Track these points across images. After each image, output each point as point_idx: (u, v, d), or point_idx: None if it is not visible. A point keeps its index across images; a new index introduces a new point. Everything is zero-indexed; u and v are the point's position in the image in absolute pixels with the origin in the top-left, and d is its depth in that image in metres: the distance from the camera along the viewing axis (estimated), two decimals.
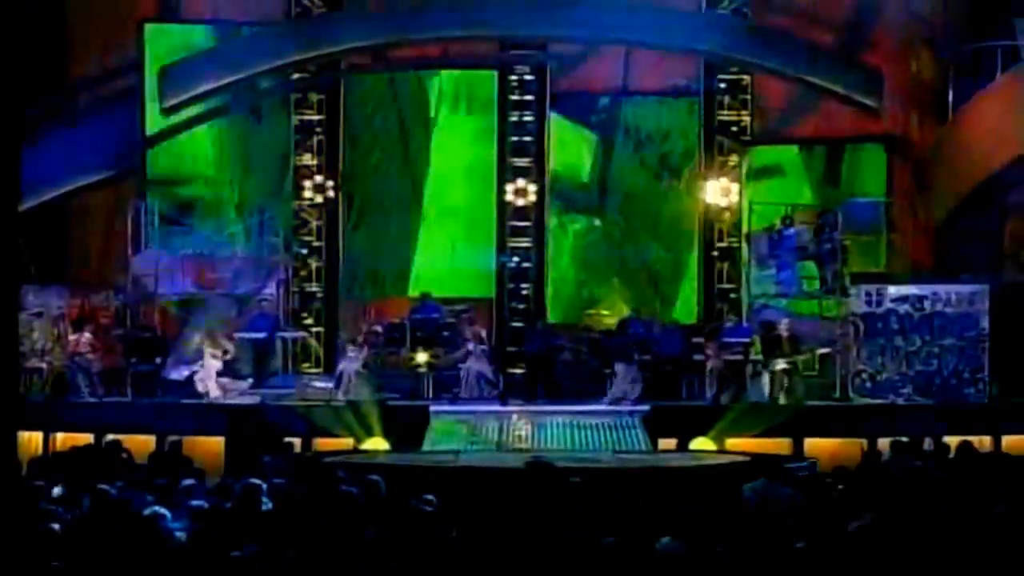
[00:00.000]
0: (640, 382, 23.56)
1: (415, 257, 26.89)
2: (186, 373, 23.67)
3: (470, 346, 24.33)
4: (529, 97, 26.69)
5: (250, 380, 23.71)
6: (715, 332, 24.48)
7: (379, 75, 27.19)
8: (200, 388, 23.36)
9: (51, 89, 25.57)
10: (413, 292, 26.39)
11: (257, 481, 12.23)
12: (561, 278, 27.03)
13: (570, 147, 27.18)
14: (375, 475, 12.61)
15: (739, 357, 24.09)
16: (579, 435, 21.76)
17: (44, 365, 23.83)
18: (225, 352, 23.67)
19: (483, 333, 24.73)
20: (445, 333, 24.85)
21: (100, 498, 11.44)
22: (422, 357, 24.49)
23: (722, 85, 26.76)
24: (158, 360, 24.07)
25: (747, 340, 24.22)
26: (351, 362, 23.69)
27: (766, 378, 23.45)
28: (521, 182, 26.57)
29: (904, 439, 19.21)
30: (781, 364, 23.43)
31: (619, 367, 23.66)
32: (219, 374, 23.46)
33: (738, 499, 13.13)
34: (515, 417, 22.38)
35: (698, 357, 24.49)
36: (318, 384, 24.17)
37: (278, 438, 20.44)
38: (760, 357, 23.81)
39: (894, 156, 26.67)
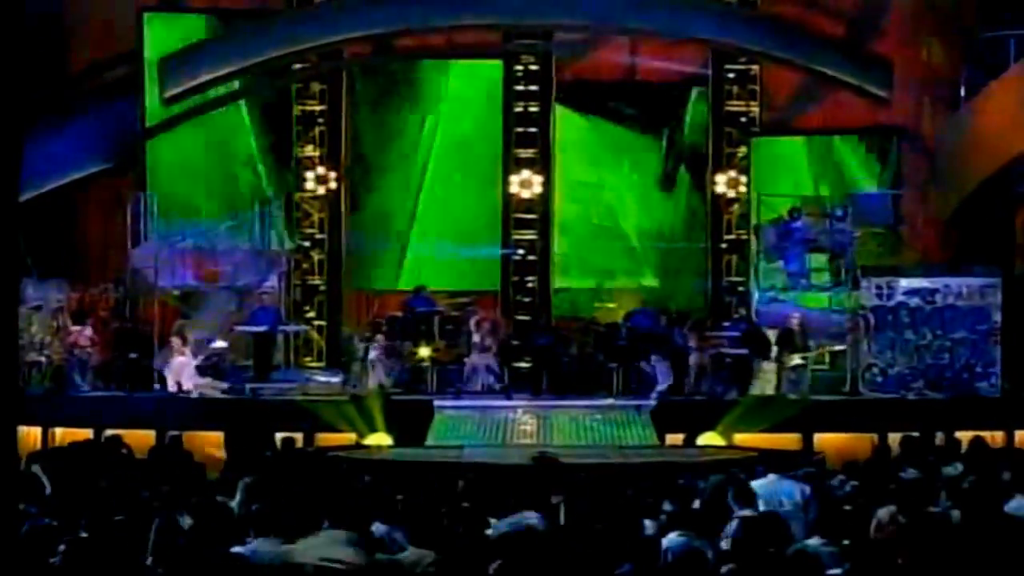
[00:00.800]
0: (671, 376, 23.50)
1: (416, 249, 26.86)
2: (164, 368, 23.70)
3: (475, 339, 24.29)
4: (534, 87, 26.65)
5: (226, 384, 23.55)
6: (701, 326, 24.39)
7: (381, 64, 27.18)
8: (170, 384, 23.34)
9: (49, 79, 25.55)
10: (409, 285, 26.33)
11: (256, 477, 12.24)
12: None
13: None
14: (377, 471, 12.63)
15: (725, 351, 24.12)
16: (585, 430, 21.76)
17: (43, 359, 23.83)
18: (198, 348, 23.64)
19: (490, 328, 24.57)
20: (448, 326, 24.81)
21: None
22: (425, 351, 24.47)
23: (730, 75, 26.75)
24: (133, 354, 24.01)
25: (737, 335, 24.17)
26: (377, 351, 23.67)
27: (767, 374, 23.43)
28: (526, 173, 26.53)
29: (915, 434, 19.22)
30: (796, 359, 23.43)
31: (659, 362, 23.56)
32: (200, 372, 23.41)
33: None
34: (520, 412, 22.38)
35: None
36: (321, 378, 24.19)
37: (277, 432, 20.46)
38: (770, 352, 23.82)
39: (904, 147, 26.62)
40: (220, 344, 23.93)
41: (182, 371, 23.34)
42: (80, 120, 26.06)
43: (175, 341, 23.55)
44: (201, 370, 23.48)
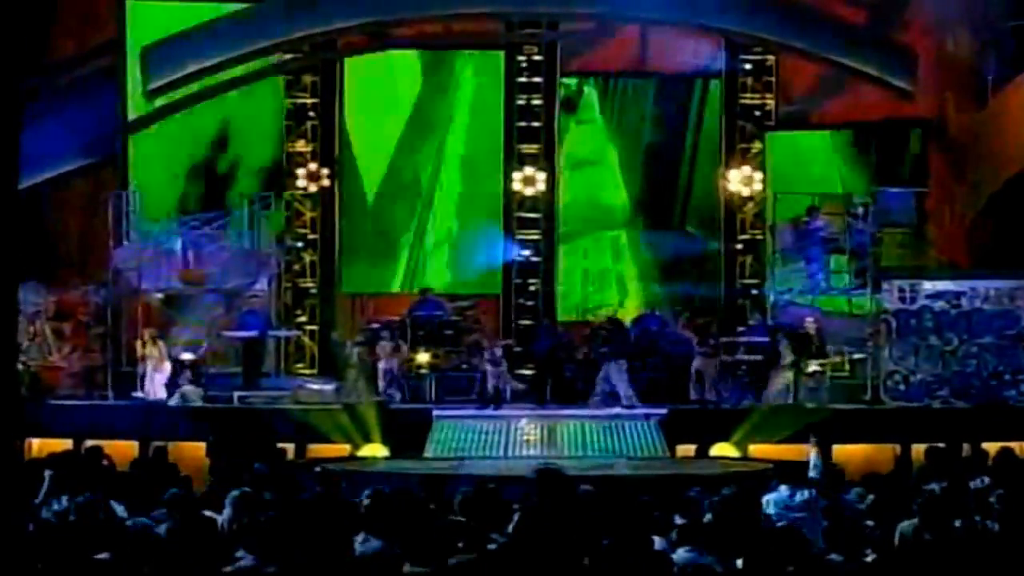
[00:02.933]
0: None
1: (416, 250, 26.88)
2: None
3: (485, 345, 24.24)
4: (538, 79, 26.62)
5: (200, 390, 23.56)
6: (706, 331, 24.37)
7: (377, 55, 27.20)
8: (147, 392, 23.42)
9: (26, 70, 25.55)
10: (406, 287, 26.33)
11: (247, 490, 12.28)
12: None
13: None
14: (373, 483, 12.64)
15: (741, 358, 24.17)
16: (592, 440, 21.77)
17: (20, 366, 23.83)
18: (166, 356, 23.67)
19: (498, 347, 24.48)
20: (448, 332, 24.80)
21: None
22: (424, 357, 24.46)
23: (746, 66, 26.73)
24: None
25: (765, 341, 24.21)
26: (391, 360, 23.71)
27: (781, 382, 23.46)
28: (529, 170, 26.50)
29: (940, 445, 19.23)
30: (813, 366, 23.40)
31: (611, 366, 23.56)
32: (173, 385, 23.45)
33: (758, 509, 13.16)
34: (523, 421, 22.37)
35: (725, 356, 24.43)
36: (313, 386, 24.17)
37: (268, 444, 20.46)
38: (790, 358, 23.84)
39: (929, 142, 26.62)
40: (188, 356, 23.83)
41: (157, 383, 23.44)
42: (58, 113, 26.06)
43: (150, 351, 23.59)
44: (173, 383, 23.45)
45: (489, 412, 22.87)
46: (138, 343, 23.93)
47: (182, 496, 12.98)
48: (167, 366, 23.60)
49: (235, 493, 12.03)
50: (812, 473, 16.97)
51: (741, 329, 25.36)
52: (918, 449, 19.77)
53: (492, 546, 10.20)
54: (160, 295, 24.92)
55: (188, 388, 23.23)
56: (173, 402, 23.12)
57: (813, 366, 23.42)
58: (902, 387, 23.40)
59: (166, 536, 9.86)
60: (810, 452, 19.28)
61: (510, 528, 10.95)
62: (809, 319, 23.93)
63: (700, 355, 23.59)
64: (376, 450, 21.42)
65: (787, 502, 13.37)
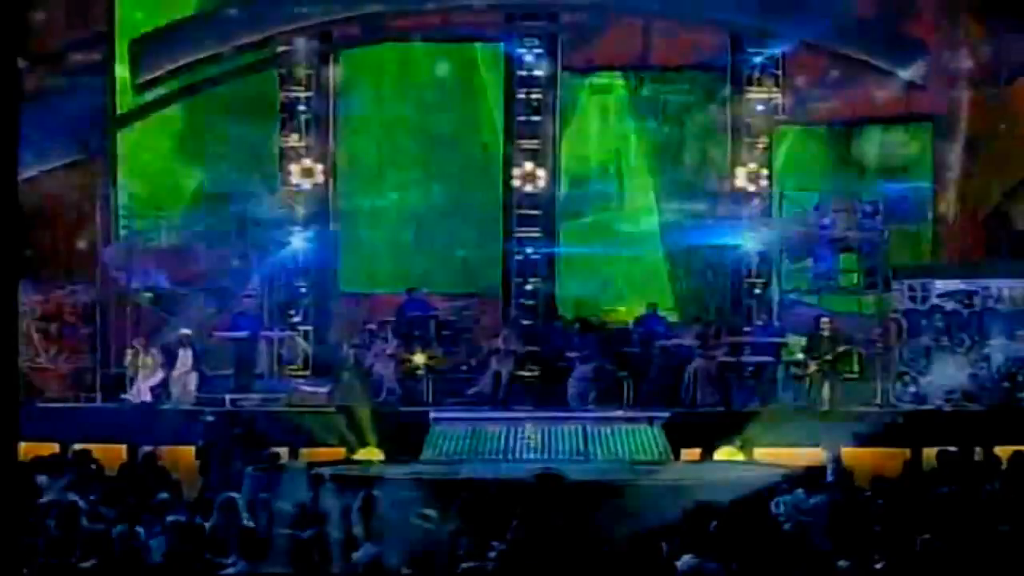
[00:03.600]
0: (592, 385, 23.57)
1: (412, 249, 26.89)
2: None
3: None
4: (539, 73, 26.59)
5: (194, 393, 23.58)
6: (706, 332, 24.35)
7: (374, 48, 27.18)
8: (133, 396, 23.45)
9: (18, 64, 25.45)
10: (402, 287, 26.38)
11: (235, 495, 12.28)
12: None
13: None
14: (369, 488, 12.64)
15: (748, 359, 24.19)
16: (594, 444, 21.76)
17: None
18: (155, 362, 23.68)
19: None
20: (445, 332, 24.80)
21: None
22: (420, 359, 24.46)
23: (752, 60, 26.67)
24: None
25: (780, 340, 24.21)
26: (382, 358, 23.74)
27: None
28: (530, 166, 26.45)
29: (951, 449, 19.24)
30: (813, 365, 23.38)
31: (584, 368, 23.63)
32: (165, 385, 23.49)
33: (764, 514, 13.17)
34: (524, 424, 22.34)
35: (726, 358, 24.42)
36: (307, 388, 24.15)
37: (261, 447, 20.45)
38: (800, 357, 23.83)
39: (940, 137, 26.59)
40: (186, 331, 23.78)
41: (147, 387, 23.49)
42: (45, 107, 26.00)
43: (143, 362, 23.59)
44: (165, 383, 23.47)
45: (488, 415, 22.85)
46: (128, 352, 23.85)
47: (171, 501, 13.01)
48: (160, 374, 23.55)
49: (223, 497, 12.03)
50: (830, 478, 17.00)
51: (747, 329, 25.35)
52: (929, 453, 19.76)
53: (491, 552, 10.22)
54: (149, 294, 24.90)
55: (191, 375, 23.23)
56: (173, 390, 23.14)
57: (813, 365, 23.38)
58: (913, 389, 23.39)
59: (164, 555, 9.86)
60: (823, 456, 19.37)
61: (509, 534, 10.94)
62: (824, 320, 23.88)
63: (703, 356, 23.58)
64: (372, 454, 21.41)
65: (799, 504, 13.39)
